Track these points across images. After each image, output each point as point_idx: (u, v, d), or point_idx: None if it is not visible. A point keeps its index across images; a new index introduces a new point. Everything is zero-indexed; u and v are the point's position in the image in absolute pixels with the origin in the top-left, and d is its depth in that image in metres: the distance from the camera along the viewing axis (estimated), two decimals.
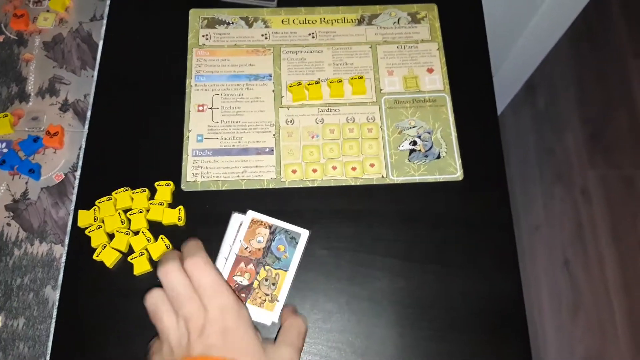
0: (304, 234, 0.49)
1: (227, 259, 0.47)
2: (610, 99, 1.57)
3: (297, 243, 0.48)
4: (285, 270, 0.47)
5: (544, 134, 1.54)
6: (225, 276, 0.47)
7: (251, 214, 0.49)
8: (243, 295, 0.46)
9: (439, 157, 0.54)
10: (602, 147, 1.52)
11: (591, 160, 1.51)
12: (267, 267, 0.47)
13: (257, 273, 0.47)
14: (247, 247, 0.48)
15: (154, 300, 0.41)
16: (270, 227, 0.49)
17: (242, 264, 0.47)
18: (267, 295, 0.46)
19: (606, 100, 1.57)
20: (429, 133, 0.55)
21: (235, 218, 0.49)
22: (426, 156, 0.54)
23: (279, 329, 0.45)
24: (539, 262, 1.41)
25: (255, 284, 0.46)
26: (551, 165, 1.51)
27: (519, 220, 1.44)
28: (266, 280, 0.47)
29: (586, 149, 1.52)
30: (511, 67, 1.14)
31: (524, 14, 0.95)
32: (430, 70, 0.58)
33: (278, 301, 0.46)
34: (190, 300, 0.39)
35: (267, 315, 0.46)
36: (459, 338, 0.48)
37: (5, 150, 0.53)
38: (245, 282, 0.47)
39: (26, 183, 0.52)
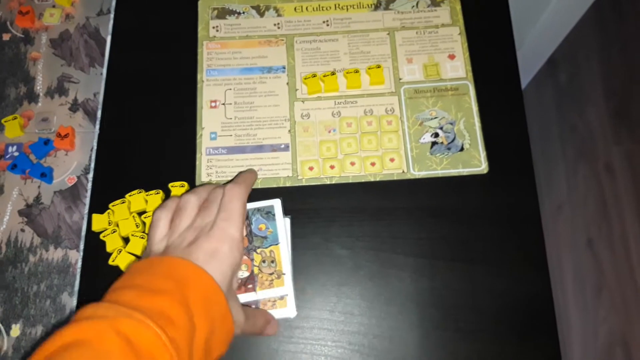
0: (276, 203, 0.47)
1: None
2: (635, 72, 1.51)
3: (274, 215, 0.47)
4: (277, 244, 0.46)
5: (567, 109, 1.49)
6: None
7: None
8: (250, 286, 0.45)
9: (462, 149, 0.52)
10: (627, 122, 1.47)
11: (615, 135, 1.46)
12: (259, 250, 0.46)
13: (252, 259, 0.46)
14: None
15: (159, 210, 0.42)
16: None
17: None
18: (271, 274, 0.45)
19: (630, 74, 1.51)
20: (451, 124, 0.53)
21: None
22: (449, 149, 0.52)
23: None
24: (563, 241, 1.38)
25: (256, 270, 0.45)
26: (574, 142, 1.46)
27: (541, 199, 1.40)
28: (264, 262, 0.46)
29: (610, 124, 1.47)
30: (534, 43, 1.09)
31: None
32: (451, 57, 0.56)
33: (284, 274, 0.45)
34: (209, 213, 0.41)
35: (280, 291, 0.45)
36: (485, 338, 0.47)
37: (16, 154, 0.52)
38: (246, 274, 0.45)
39: (38, 187, 0.51)
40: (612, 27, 1.55)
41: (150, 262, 0.37)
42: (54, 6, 0.58)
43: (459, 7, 0.58)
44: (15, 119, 0.52)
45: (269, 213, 0.47)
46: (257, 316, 0.42)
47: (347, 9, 0.57)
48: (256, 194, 0.50)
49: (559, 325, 1.31)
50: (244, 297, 0.45)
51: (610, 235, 1.38)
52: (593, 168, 1.44)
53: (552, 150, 1.46)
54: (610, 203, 1.41)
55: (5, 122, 0.52)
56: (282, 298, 0.45)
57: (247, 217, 0.47)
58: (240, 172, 0.49)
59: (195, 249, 0.38)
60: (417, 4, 0.58)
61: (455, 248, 0.49)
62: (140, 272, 0.36)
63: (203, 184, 0.49)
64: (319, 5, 0.58)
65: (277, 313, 0.45)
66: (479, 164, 0.51)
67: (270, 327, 0.43)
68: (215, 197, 0.42)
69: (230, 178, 0.51)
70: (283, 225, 0.47)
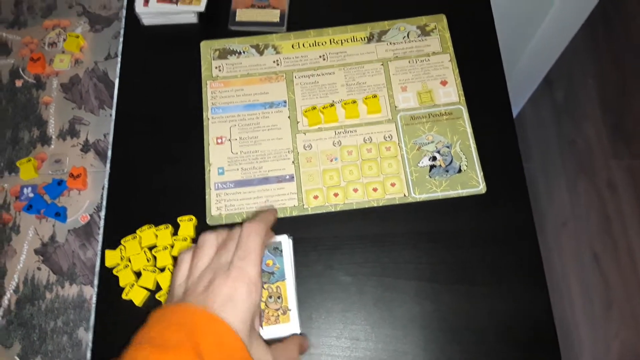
0: (284, 240, 0.48)
1: None
2: (630, 86, 1.54)
3: (281, 251, 0.48)
4: (283, 280, 0.47)
5: (565, 127, 1.51)
6: None
7: None
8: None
9: (460, 171, 0.54)
10: (625, 136, 1.49)
11: (614, 150, 1.48)
12: (265, 286, 0.47)
13: None
14: None
15: (184, 252, 0.42)
16: None
17: None
18: (277, 310, 0.46)
19: (626, 89, 1.54)
20: (448, 147, 0.55)
21: None
22: (447, 171, 0.54)
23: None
24: (568, 257, 1.39)
25: (262, 305, 0.46)
26: (574, 159, 1.48)
27: (544, 216, 1.42)
28: (270, 297, 0.46)
29: (609, 139, 1.49)
30: (529, 62, 1.11)
31: (540, 8, 0.93)
32: (444, 83, 0.58)
33: (290, 310, 0.46)
34: (226, 251, 0.40)
35: (286, 327, 0.46)
36: (489, 358, 0.48)
37: (31, 195, 0.54)
38: None
39: (53, 226, 0.53)
40: (603, 42, 1.58)
41: (164, 312, 0.37)
42: (63, 52, 0.61)
43: (448, 35, 0.60)
44: (29, 161, 0.55)
45: (276, 249, 0.48)
46: (288, 348, 0.42)
47: (342, 43, 0.60)
48: None
49: (569, 342, 1.30)
50: None
51: (615, 250, 1.38)
52: (594, 183, 1.45)
53: (552, 167, 1.48)
54: (613, 217, 1.41)
55: (20, 164, 0.55)
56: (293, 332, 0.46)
57: None
58: (259, 211, 0.50)
59: (211, 293, 0.37)
60: (408, 35, 0.60)
61: (456, 270, 0.50)
62: (156, 323, 0.36)
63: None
64: (315, 41, 0.60)
65: (281, 329, 0.46)
66: (477, 185, 0.53)
67: (301, 347, 0.44)
68: (233, 235, 0.42)
69: (239, 211, 0.52)
70: (290, 262, 0.48)
